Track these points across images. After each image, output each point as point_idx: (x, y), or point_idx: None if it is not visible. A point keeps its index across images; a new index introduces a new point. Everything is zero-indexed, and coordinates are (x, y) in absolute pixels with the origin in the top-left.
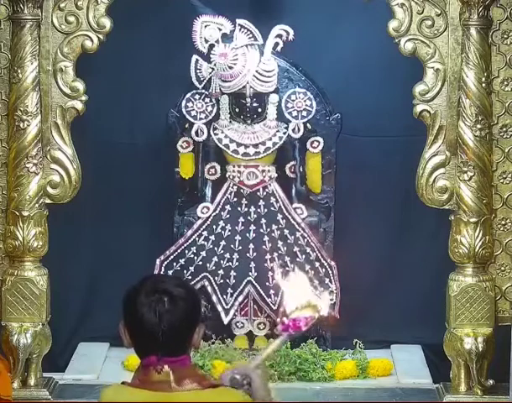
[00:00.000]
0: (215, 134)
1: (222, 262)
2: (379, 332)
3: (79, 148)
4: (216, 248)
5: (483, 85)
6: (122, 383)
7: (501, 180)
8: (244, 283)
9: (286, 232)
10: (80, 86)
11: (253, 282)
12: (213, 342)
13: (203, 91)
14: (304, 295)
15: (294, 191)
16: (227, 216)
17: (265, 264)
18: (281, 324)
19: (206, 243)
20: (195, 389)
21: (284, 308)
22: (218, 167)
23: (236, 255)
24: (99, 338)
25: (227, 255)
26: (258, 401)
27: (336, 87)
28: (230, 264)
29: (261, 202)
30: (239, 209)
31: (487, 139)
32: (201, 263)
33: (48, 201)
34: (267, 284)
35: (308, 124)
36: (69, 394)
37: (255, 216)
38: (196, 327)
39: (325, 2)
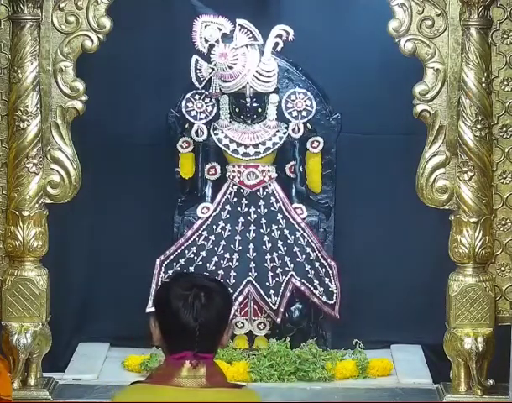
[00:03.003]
0: (215, 134)
1: (222, 262)
2: (379, 332)
3: (79, 148)
4: (216, 248)
5: (483, 85)
6: (135, 382)
7: (501, 180)
8: (244, 283)
9: (286, 232)
10: (80, 86)
11: (253, 282)
12: None
13: (203, 91)
14: None
15: (294, 191)
16: (227, 216)
17: (265, 264)
18: None
19: (206, 243)
20: (225, 386)
21: None
22: (218, 167)
23: (236, 255)
24: (99, 338)
25: (227, 255)
26: None
27: (337, 87)
28: (230, 264)
29: (261, 202)
30: (239, 209)
31: (487, 139)
32: (201, 263)
33: (48, 201)
34: (267, 284)
35: (308, 124)
36: (69, 394)
37: (255, 216)
38: (227, 325)
39: (325, 2)
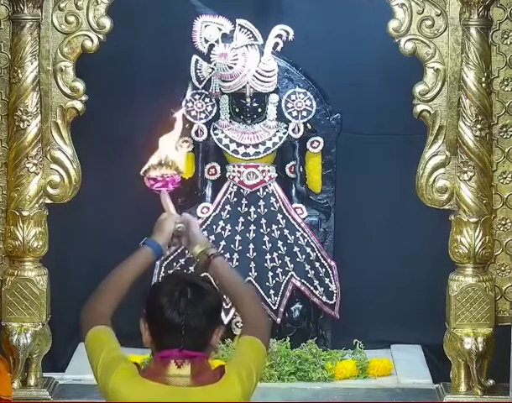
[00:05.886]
0: (215, 134)
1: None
2: (379, 332)
3: (79, 148)
4: None
5: (483, 85)
6: (135, 363)
7: (501, 180)
8: None
9: (286, 232)
10: (80, 86)
11: (253, 282)
12: None
13: (203, 91)
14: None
15: (294, 191)
16: (227, 216)
17: (265, 264)
18: (150, 180)
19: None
20: (209, 382)
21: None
22: (218, 167)
23: (236, 255)
24: None
25: (227, 255)
26: (201, 241)
27: (336, 87)
28: (230, 264)
29: (261, 202)
30: (239, 209)
31: (487, 139)
32: None
33: (48, 201)
34: (267, 284)
35: (308, 124)
36: (69, 394)
37: (255, 216)
38: (216, 326)
39: (325, 2)
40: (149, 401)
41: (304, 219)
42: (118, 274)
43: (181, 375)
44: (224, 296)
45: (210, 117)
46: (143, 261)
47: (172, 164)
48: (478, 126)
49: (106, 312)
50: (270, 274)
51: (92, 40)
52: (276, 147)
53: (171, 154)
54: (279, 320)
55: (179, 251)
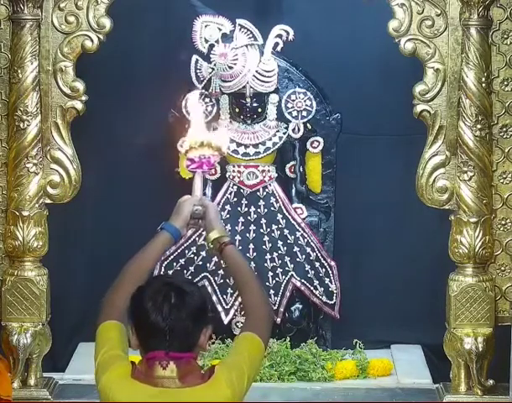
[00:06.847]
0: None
1: (222, 262)
2: (379, 332)
3: (79, 148)
4: None
5: (483, 85)
6: (133, 364)
7: (501, 180)
8: None
9: (286, 232)
10: (80, 86)
11: None
12: (213, 343)
13: (203, 91)
14: (202, 134)
15: (294, 191)
16: (227, 216)
17: (265, 264)
18: (189, 161)
19: (206, 243)
20: (197, 384)
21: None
22: (218, 167)
23: None
24: None
25: None
26: (217, 228)
27: (336, 87)
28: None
29: (261, 202)
30: (239, 209)
31: (487, 139)
32: (201, 263)
33: (48, 201)
34: (267, 284)
35: (308, 124)
36: (69, 394)
37: (255, 216)
38: (203, 327)
39: (325, 2)
40: (136, 402)
41: (304, 219)
42: (136, 263)
43: (167, 377)
44: (224, 297)
45: (210, 117)
46: (162, 247)
47: (214, 144)
48: (478, 126)
49: (122, 305)
50: (270, 274)
51: (92, 40)
52: (276, 147)
53: (213, 134)
54: (279, 320)
55: (179, 251)
